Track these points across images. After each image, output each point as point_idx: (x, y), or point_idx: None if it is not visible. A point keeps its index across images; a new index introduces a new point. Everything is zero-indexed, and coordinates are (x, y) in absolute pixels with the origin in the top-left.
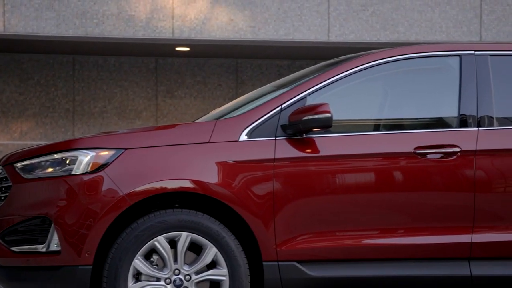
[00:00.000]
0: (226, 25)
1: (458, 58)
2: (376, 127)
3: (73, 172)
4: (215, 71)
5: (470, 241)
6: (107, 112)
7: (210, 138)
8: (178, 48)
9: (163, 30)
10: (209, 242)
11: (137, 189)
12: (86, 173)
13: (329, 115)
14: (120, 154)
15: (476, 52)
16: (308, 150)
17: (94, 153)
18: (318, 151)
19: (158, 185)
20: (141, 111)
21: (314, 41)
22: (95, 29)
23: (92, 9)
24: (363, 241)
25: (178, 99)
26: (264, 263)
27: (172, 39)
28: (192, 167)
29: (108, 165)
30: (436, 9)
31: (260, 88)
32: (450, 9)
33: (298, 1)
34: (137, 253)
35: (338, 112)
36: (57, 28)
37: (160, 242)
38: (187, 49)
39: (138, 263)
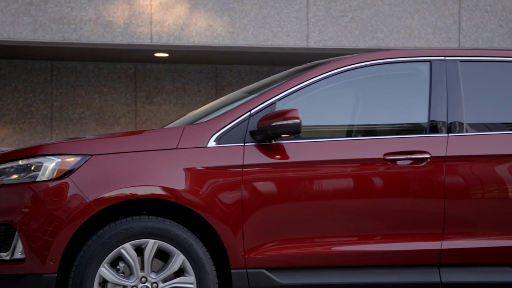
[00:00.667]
0: (205, 30)
1: (428, 64)
2: (346, 133)
3: (38, 179)
4: (194, 77)
5: (440, 247)
6: (86, 118)
7: (178, 144)
8: (157, 54)
9: (141, 36)
10: (176, 250)
11: (105, 195)
12: (51, 180)
13: (297, 121)
14: (86, 161)
15: (446, 58)
16: (277, 156)
17: (59, 159)
18: (287, 157)
19: (127, 191)
20: (120, 117)
21: (293, 47)
22: (73, 34)
23: (70, 14)
24: (332, 248)
25: (158, 105)
26: (233, 271)
27: (151, 44)
28: (160, 173)
29: (74, 172)
30: (415, 15)
31: (231, 93)
32: (429, 15)
33: (277, 7)
34: (103, 260)
35: (308, 118)
36: (34, 34)
37: (127, 249)
38: (166, 55)
39: (104, 271)
